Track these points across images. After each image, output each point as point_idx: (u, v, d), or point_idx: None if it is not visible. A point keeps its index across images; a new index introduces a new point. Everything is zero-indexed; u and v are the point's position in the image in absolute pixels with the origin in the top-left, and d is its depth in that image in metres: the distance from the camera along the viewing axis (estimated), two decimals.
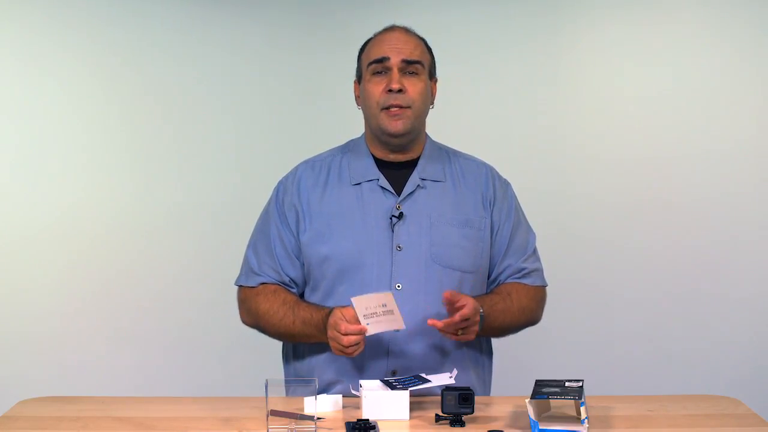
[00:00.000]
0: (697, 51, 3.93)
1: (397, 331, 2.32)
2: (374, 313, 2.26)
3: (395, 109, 2.40)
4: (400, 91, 2.39)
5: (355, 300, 2.25)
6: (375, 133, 2.48)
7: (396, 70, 2.40)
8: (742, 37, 3.90)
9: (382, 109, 2.41)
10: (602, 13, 3.95)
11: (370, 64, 2.43)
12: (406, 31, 2.48)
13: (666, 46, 3.93)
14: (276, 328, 2.45)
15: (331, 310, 2.33)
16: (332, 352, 2.37)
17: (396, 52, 2.41)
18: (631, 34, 3.93)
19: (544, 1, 3.95)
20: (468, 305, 2.29)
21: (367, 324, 2.26)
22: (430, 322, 2.29)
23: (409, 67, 2.41)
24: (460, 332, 2.32)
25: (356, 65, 2.51)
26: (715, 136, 3.92)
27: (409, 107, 2.41)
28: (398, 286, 2.39)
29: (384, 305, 2.26)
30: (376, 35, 2.49)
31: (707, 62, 3.92)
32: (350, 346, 2.26)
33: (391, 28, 2.48)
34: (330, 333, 2.30)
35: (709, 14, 3.92)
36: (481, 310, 2.35)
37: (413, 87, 2.41)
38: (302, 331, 2.41)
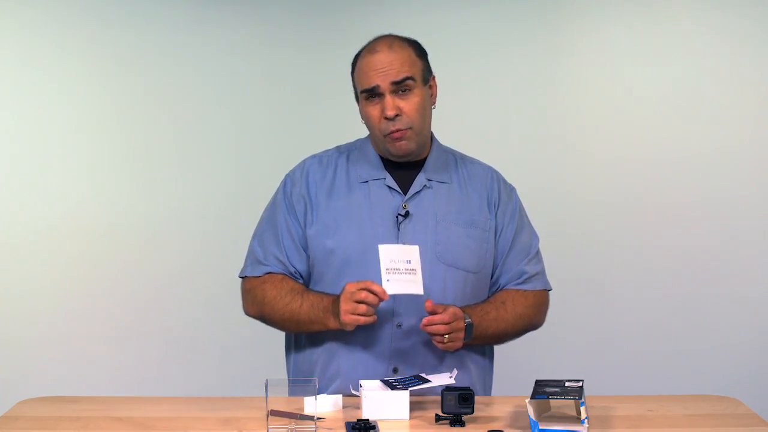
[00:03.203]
0: (697, 51, 3.93)
1: (416, 297, 2.31)
2: (397, 269, 2.28)
3: (396, 132, 2.40)
4: (396, 116, 2.39)
5: (382, 247, 2.27)
6: (383, 153, 2.49)
7: (388, 95, 2.39)
8: (742, 37, 3.91)
9: (385, 135, 2.42)
10: (602, 13, 3.95)
11: (362, 92, 2.42)
12: (389, 46, 2.41)
13: (666, 46, 3.93)
14: (281, 314, 2.44)
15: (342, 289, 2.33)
16: (332, 348, 2.39)
17: (383, 77, 2.38)
18: (631, 34, 3.93)
19: (544, 1, 3.95)
20: (448, 310, 2.31)
21: (388, 280, 2.27)
22: (425, 321, 2.29)
23: (400, 86, 2.39)
24: (446, 339, 2.32)
25: (351, 81, 2.49)
26: (715, 136, 3.92)
27: (410, 128, 2.41)
28: None
29: (408, 261, 2.28)
30: (361, 57, 2.44)
31: (707, 62, 3.92)
32: (363, 310, 2.26)
33: (373, 50, 2.42)
34: (345, 295, 2.29)
35: (709, 14, 3.92)
36: (469, 319, 2.36)
37: (409, 105, 2.40)
38: (308, 315, 2.40)
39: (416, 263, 2.29)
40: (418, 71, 2.43)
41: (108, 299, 3.87)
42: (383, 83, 2.38)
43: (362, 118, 2.48)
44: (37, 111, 3.81)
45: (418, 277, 2.29)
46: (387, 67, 2.38)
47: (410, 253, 2.29)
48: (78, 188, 3.85)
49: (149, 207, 3.89)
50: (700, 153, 3.93)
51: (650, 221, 3.95)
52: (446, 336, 2.31)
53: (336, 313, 2.33)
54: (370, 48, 2.44)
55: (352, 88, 2.50)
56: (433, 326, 2.30)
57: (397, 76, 2.38)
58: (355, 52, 2.51)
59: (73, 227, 3.83)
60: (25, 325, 3.80)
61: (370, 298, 2.27)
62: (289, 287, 2.45)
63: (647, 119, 3.94)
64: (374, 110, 2.41)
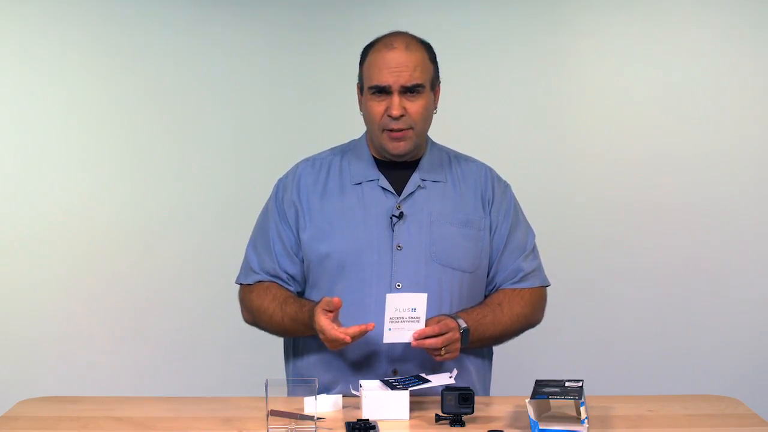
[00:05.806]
0: (697, 51, 3.93)
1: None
2: (401, 317, 2.27)
3: (397, 132, 2.40)
4: (401, 116, 2.38)
5: (389, 296, 2.26)
6: (377, 148, 2.48)
7: (396, 94, 2.37)
8: (742, 37, 3.90)
9: (384, 130, 2.41)
10: (602, 13, 3.95)
11: (371, 87, 2.40)
12: (407, 46, 2.40)
13: (666, 46, 3.93)
14: (269, 325, 2.47)
15: (314, 307, 2.31)
16: (332, 353, 2.39)
17: (395, 78, 2.37)
18: (631, 34, 3.93)
19: (544, 1, 3.95)
20: (439, 322, 2.30)
21: (389, 329, 2.27)
22: (415, 335, 2.28)
23: (409, 89, 2.39)
24: (443, 351, 2.31)
25: (358, 70, 2.48)
26: (715, 136, 3.92)
27: (411, 128, 2.40)
28: (398, 285, 2.39)
29: (413, 309, 2.27)
30: (376, 49, 2.41)
31: (707, 62, 3.92)
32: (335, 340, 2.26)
33: (390, 45, 2.39)
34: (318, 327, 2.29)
35: (709, 14, 3.92)
36: (465, 325, 2.35)
37: (414, 107, 2.39)
38: (292, 328, 2.43)
39: (421, 311, 2.27)
40: (429, 78, 2.42)
41: (108, 299, 3.87)
42: (395, 84, 2.37)
43: (361, 109, 2.47)
44: (37, 111, 3.81)
45: (421, 325, 2.28)
46: (402, 68, 2.37)
47: (417, 302, 2.27)
48: (77, 188, 3.84)
49: (149, 207, 3.89)
50: (700, 153, 3.92)
51: (650, 221, 3.95)
52: (442, 349, 2.30)
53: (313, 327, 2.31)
54: (386, 42, 2.41)
55: (358, 78, 2.47)
56: (426, 341, 2.28)
57: (408, 81, 2.37)
58: (355, 51, 2.49)
59: (73, 227, 3.83)
60: (25, 325, 3.80)
61: (339, 336, 2.24)
62: (271, 296, 2.45)
63: (647, 119, 3.94)
64: (379, 106, 2.40)
